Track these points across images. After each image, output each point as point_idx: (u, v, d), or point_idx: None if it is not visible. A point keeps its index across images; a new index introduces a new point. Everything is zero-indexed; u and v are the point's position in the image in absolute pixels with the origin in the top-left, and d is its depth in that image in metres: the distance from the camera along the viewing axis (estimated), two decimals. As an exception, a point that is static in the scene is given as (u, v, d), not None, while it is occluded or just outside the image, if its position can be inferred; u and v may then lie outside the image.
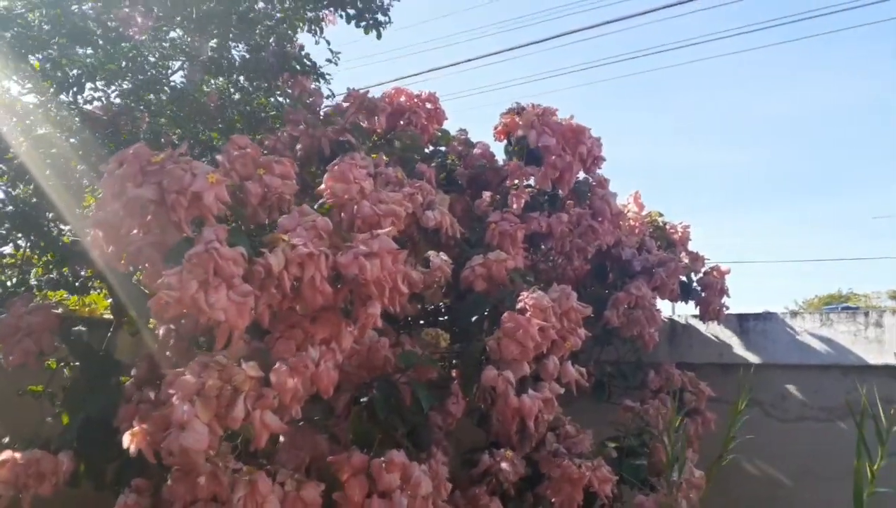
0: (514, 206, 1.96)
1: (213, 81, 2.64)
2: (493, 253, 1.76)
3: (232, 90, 2.52)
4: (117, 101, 2.40)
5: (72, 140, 2.15)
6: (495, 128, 2.30)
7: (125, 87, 2.39)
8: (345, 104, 2.06)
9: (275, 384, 1.21)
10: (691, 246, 2.89)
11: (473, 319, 1.72)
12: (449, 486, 1.49)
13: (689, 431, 2.44)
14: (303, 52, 2.52)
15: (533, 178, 2.03)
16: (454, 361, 1.85)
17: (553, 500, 1.82)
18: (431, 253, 1.72)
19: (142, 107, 2.38)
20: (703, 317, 2.66)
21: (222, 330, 1.16)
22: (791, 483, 2.67)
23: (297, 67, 2.45)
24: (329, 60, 2.63)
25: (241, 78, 2.51)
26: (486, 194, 2.04)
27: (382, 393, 1.49)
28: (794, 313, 2.83)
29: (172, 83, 2.49)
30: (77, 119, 2.20)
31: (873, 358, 2.58)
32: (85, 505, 1.57)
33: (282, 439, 1.50)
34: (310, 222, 1.34)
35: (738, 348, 2.83)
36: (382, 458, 1.36)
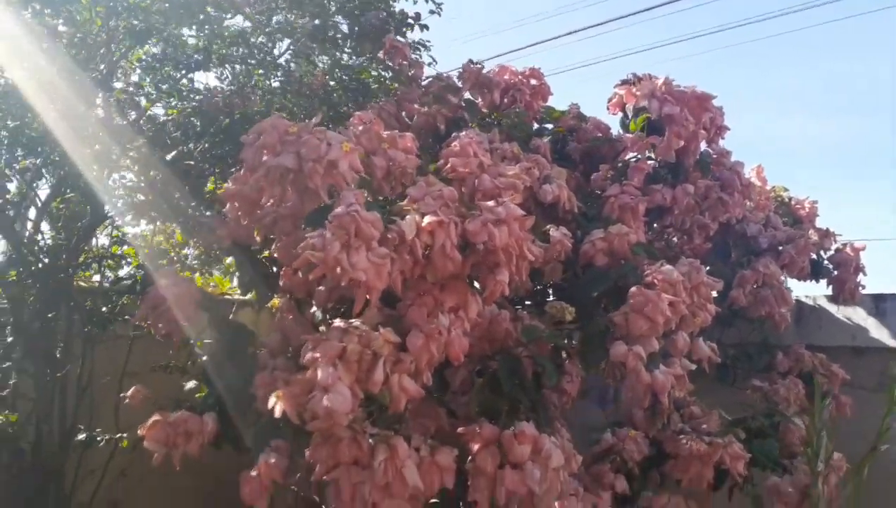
0: (635, 179, 1.90)
1: (318, 60, 2.67)
2: (614, 226, 1.71)
3: (337, 71, 2.55)
4: (229, 86, 2.48)
5: (196, 123, 2.24)
6: (609, 100, 2.24)
7: (237, 68, 2.47)
8: (458, 81, 2.06)
9: (411, 349, 1.23)
10: (819, 222, 2.73)
11: (594, 295, 1.68)
12: (579, 459, 1.46)
13: (823, 415, 2.31)
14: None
15: (654, 150, 1.96)
16: (570, 339, 1.82)
17: (681, 478, 1.77)
18: (551, 227, 1.70)
19: (252, 85, 2.44)
20: (836, 297, 2.50)
21: (360, 293, 1.19)
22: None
23: (400, 18, 2.44)
24: (432, 12, 2.58)
25: (345, 55, 2.53)
26: (603, 168, 1.98)
27: (506, 366, 1.48)
28: (915, 294, 2.62)
29: (280, 63, 2.55)
30: (194, 101, 2.29)
31: None
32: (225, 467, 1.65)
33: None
34: (436, 191, 1.35)
35: (874, 330, 2.64)
36: (512, 429, 1.35)
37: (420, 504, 1.30)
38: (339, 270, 1.14)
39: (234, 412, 1.53)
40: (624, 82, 2.20)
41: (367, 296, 1.21)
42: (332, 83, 2.55)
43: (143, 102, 2.21)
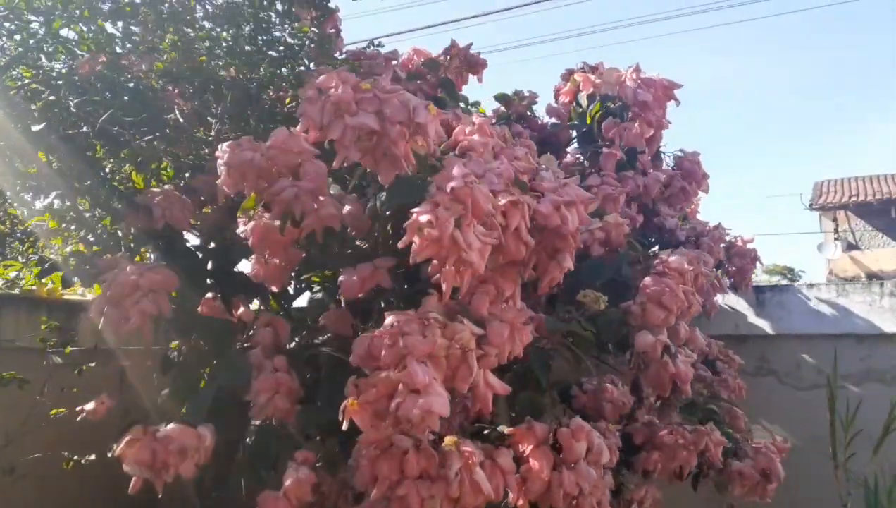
0: (608, 167, 1.89)
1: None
2: (610, 216, 1.68)
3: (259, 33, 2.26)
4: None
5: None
6: (559, 89, 2.22)
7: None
8: (442, 56, 1.92)
9: (496, 341, 1.10)
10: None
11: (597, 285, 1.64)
12: (617, 453, 1.41)
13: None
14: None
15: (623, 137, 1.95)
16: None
17: (652, 469, 1.78)
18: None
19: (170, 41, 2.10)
20: (736, 286, 2.69)
21: (451, 278, 1.03)
22: (805, 448, 2.77)
23: None
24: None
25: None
26: (575, 153, 1.96)
27: (539, 360, 1.39)
28: (810, 285, 2.92)
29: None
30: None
31: (888, 327, 2.71)
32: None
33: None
34: (496, 168, 1.22)
35: (754, 318, 2.89)
36: (569, 426, 1.26)
37: (481, 512, 1.18)
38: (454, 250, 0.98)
39: (226, 422, 1.29)
40: (578, 70, 2.20)
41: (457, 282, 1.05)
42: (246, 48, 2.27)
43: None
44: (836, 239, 16.92)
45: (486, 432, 1.31)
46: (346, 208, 1.47)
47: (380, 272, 1.23)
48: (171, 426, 1.18)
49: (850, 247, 16.75)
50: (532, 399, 1.35)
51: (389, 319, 1.09)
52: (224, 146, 1.25)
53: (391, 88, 1.11)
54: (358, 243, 1.39)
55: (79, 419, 1.27)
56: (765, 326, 2.90)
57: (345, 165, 1.09)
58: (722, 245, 2.74)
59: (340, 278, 1.26)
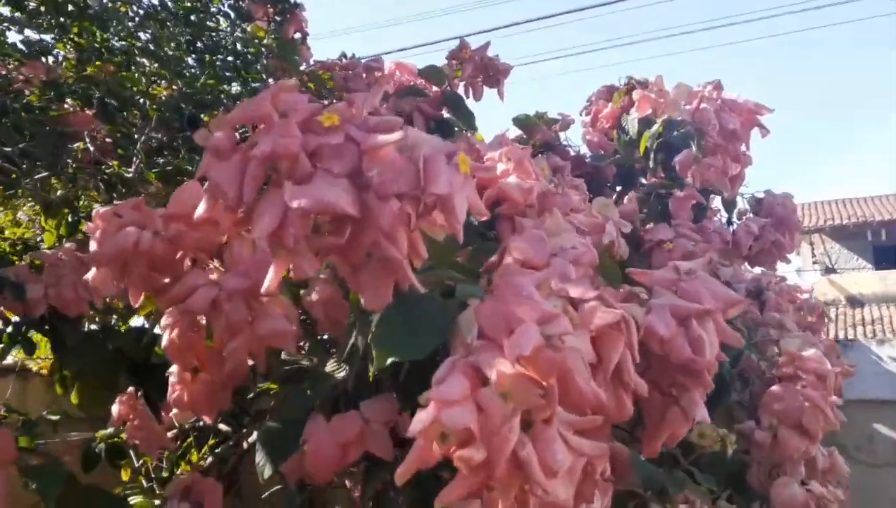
0: (683, 214, 1.38)
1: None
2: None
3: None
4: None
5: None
6: (597, 111, 1.72)
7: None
8: (450, 63, 1.40)
9: None
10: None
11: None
12: None
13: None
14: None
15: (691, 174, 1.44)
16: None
17: None
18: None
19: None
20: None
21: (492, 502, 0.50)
22: (886, 541, 2.29)
23: None
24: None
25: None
26: (632, 197, 1.44)
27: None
28: (881, 341, 2.45)
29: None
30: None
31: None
32: None
33: None
34: (572, 249, 0.69)
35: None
36: None
37: None
38: (506, 484, 0.45)
39: None
40: (612, 89, 1.71)
41: None
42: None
43: None
44: (814, 263, 16.74)
45: None
46: (314, 296, 0.94)
47: (371, 432, 0.69)
48: None
49: (828, 270, 16.60)
50: None
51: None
52: (96, 217, 0.71)
53: (379, 120, 0.55)
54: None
55: None
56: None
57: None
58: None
59: (304, 438, 0.72)
